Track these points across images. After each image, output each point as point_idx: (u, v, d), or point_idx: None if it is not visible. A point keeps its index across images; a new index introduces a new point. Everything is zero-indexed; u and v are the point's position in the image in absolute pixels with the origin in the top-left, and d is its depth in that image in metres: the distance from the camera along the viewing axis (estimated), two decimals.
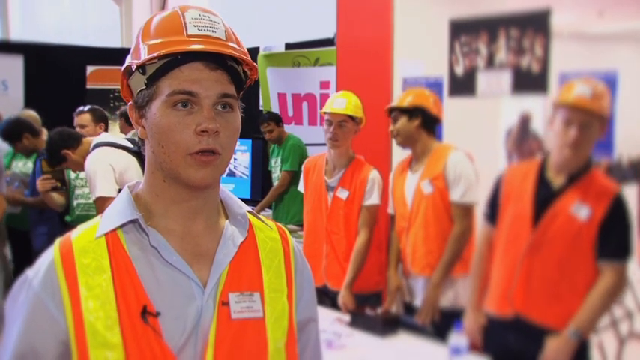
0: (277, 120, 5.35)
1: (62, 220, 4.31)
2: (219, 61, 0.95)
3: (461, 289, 2.99)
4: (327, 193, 3.27)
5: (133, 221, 0.97)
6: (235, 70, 0.98)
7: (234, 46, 0.97)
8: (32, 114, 5.15)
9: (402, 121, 3.05)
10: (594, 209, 2.33)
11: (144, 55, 0.95)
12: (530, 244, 2.45)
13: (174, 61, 0.94)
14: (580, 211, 2.35)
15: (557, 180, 2.45)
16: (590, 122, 2.35)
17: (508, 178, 2.64)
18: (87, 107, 4.51)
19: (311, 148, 5.29)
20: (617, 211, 2.34)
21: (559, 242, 2.39)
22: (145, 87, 0.96)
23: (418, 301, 3.06)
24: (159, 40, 0.95)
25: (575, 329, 2.32)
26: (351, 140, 3.24)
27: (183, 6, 0.99)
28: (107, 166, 3.27)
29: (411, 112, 3.05)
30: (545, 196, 2.45)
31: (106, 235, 0.97)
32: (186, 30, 0.95)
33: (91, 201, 3.59)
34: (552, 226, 2.41)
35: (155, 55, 0.93)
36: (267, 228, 1.10)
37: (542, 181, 2.48)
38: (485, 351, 2.53)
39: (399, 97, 3.16)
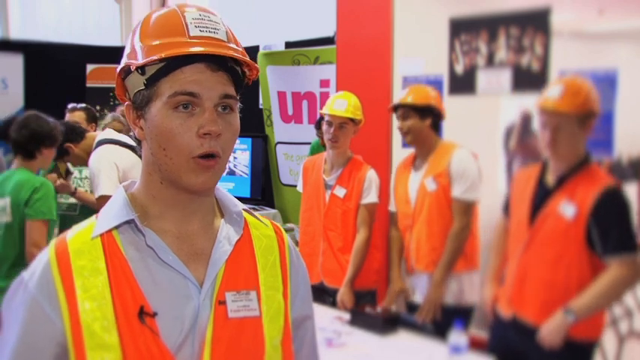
0: None
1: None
2: (221, 62, 0.94)
3: (466, 285, 2.99)
4: (325, 191, 3.27)
5: (129, 222, 0.97)
6: (235, 70, 0.97)
7: (235, 46, 0.97)
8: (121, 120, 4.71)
9: (414, 119, 2.99)
10: (580, 207, 2.30)
11: (144, 56, 0.93)
12: (525, 245, 2.45)
13: (176, 62, 0.92)
14: (567, 209, 2.33)
15: (551, 181, 2.45)
16: (563, 123, 2.33)
17: (516, 182, 2.66)
18: (80, 105, 4.48)
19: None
20: (607, 205, 2.28)
21: (550, 243, 2.38)
22: (143, 88, 0.95)
23: (420, 298, 3.06)
24: (160, 41, 0.94)
25: (570, 308, 2.29)
26: (350, 140, 3.24)
27: (181, 5, 0.98)
28: (111, 164, 3.22)
29: (423, 110, 3.00)
30: (541, 198, 2.44)
31: (101, 236, 0.96)
32: (188, 31, 0.93)
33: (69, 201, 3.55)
34: (544, 226, 2.40)
35: (157, 57, 0.91)
36: (262, 225, 1.10)
37: (541, 184, 2.48)
38: (489, 348, 2.54)
39: (406, 94, 3.05)
